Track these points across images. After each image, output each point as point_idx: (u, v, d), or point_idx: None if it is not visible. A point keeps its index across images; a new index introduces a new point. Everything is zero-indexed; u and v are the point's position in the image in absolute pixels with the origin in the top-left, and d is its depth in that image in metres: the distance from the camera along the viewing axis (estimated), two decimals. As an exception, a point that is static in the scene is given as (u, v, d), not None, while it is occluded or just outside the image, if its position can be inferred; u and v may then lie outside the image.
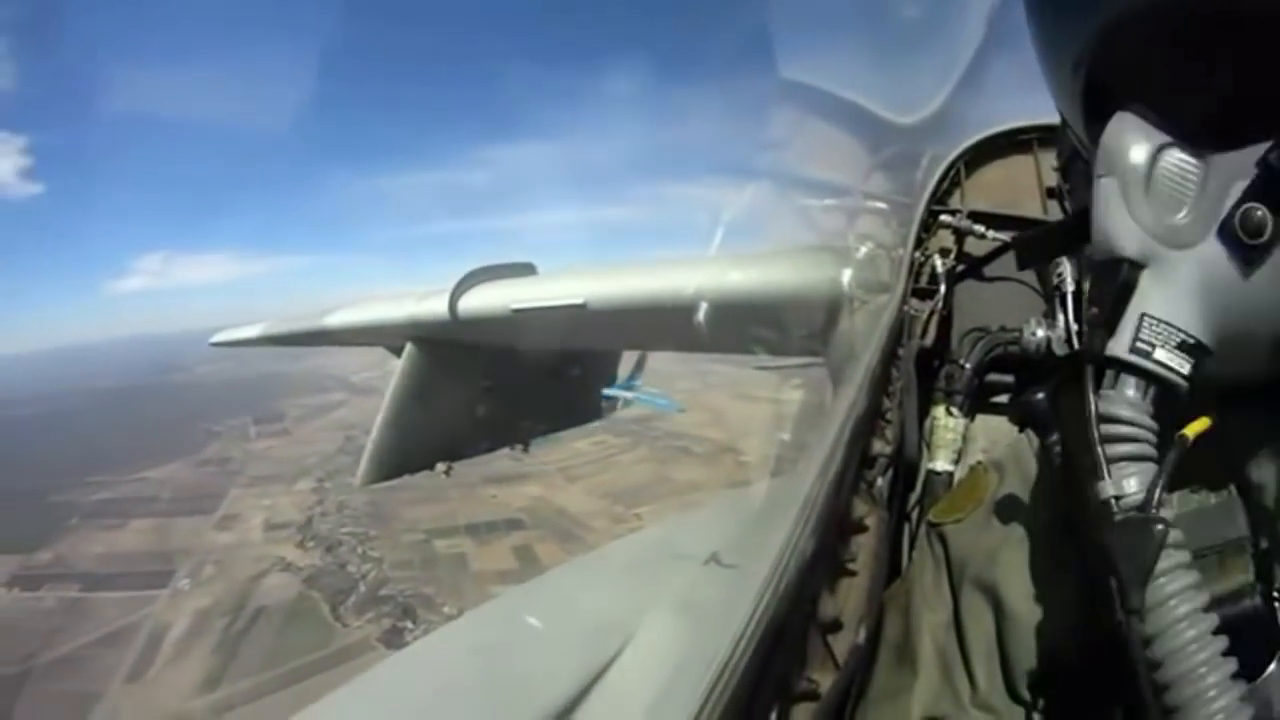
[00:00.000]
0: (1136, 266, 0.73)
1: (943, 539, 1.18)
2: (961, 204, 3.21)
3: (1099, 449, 0.73)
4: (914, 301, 2.92)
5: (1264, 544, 0.77)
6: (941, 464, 2.45)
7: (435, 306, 8.42)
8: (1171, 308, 0.72)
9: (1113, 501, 0.72)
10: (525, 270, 9.62)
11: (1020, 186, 3.17)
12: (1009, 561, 1.03)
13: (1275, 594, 0.76)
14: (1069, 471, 0.85)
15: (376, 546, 31.86)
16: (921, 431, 2.52)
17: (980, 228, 3.04)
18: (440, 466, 9.48)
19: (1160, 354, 0.71)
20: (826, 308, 3.76)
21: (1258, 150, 0.70)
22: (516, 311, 7.82)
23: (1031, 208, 3.06)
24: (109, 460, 40.54)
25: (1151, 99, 0.75)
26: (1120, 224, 0.73)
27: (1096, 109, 0.83)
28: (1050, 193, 2.77)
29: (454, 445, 9.59)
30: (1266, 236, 0.68)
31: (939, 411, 2.56)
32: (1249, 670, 0.71)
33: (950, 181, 3.33)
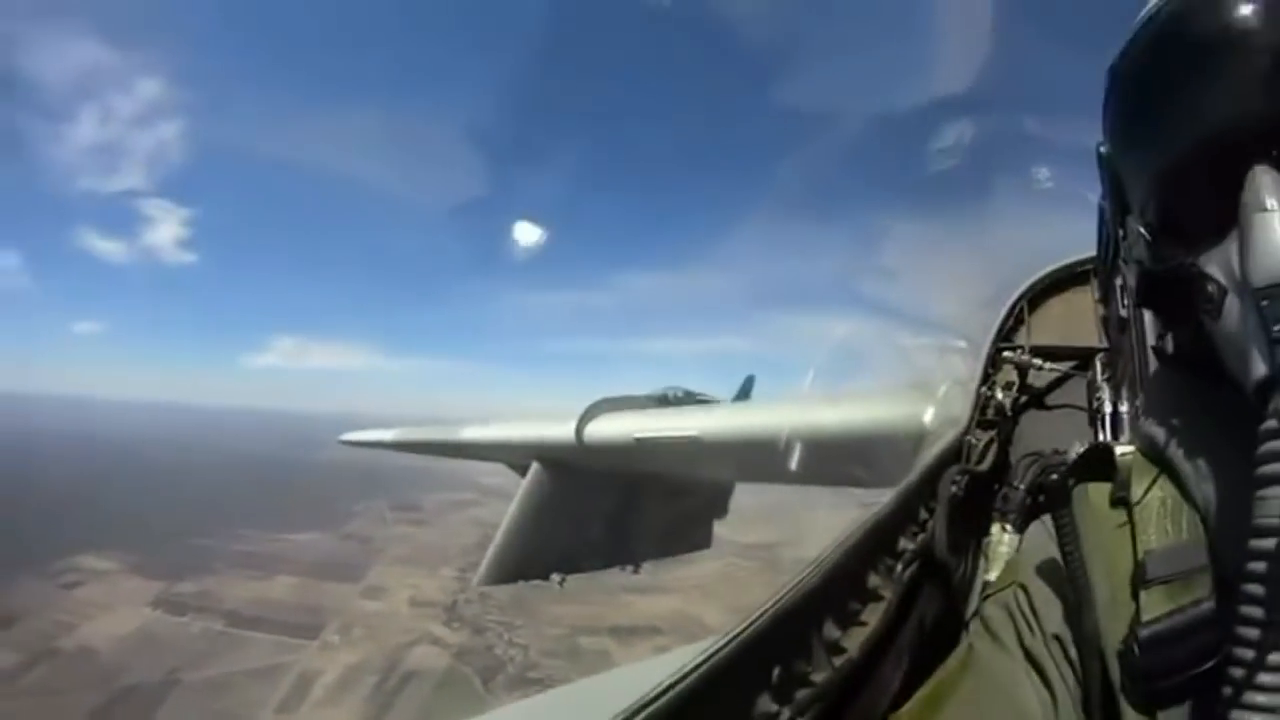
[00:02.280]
0: None
1: None
2: (1026, 339, 3.51)
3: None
4: (978, 432, 3.20)
5: (1221, 571, 0.82)
6: (995, 574, 2.72)
7: (562, 431, 9.15)
8: None
9: None
10: (643, 402, 10.31)
11: (1080, 317, 3.40)
12: None
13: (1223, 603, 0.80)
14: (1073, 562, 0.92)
15: (522, 635, 32.38)
16: (981, 547, 2.80)
17: (1039, 361, 3.33)
18: (555, 577, 9.89)
19: None
20: (913, 442, 4.09)
21: None
22: (638, 440, 8.40)
23: (1090, 336, 3.26)
24: (250, 518, 43.45)
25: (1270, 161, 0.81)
26: None
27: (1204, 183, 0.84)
28: (1105, 321, 2.88)
29: (570, 559, 9.98)
30: None
31: (995, 529, 2.81)
32: (1194, 664, 0.77)
33: (1015, 319, 3.63)
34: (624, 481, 9.50)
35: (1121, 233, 2.11)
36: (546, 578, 9.95)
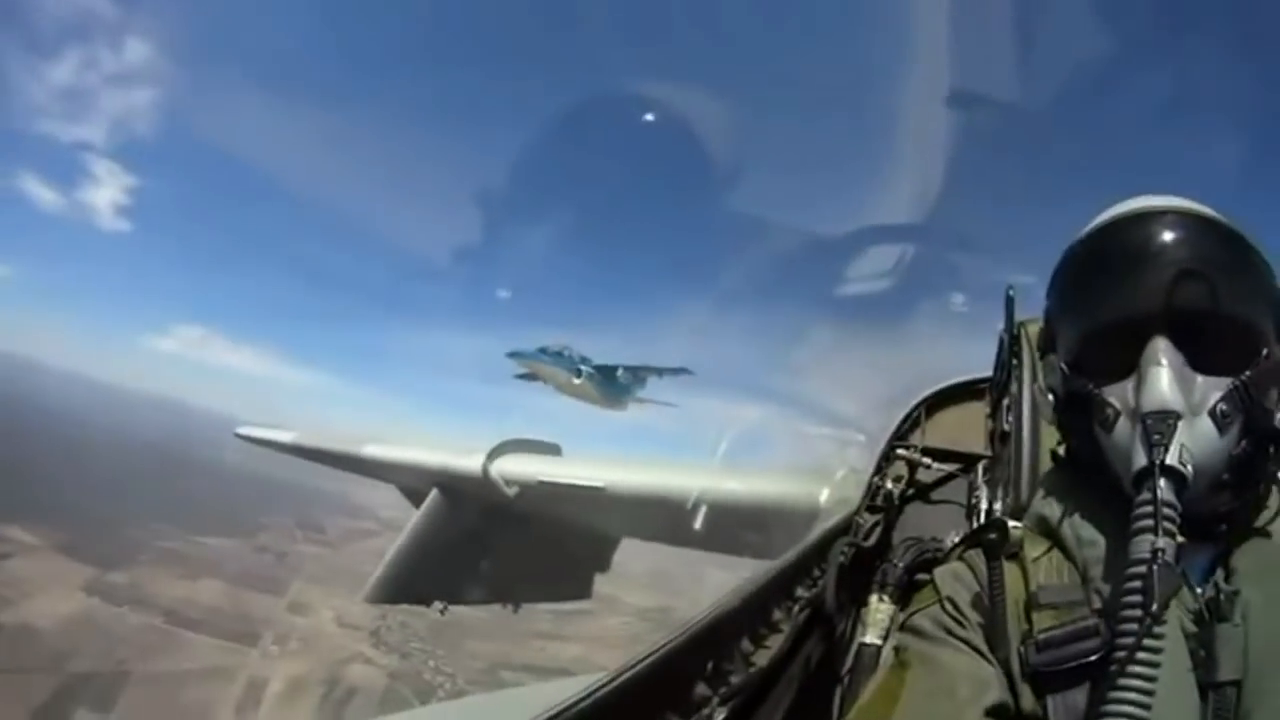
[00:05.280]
0: (1178, 417, 1.07)
1: None
2: (920, 440, 3.92)
3: (1159, 519, 1.00)
4: (865, 514, 3.59)
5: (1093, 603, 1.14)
6: (871, 638, 3.02)
7: (469, 463, 9.22)
8: (1189, 444, 1.06)
9: (1160, 552, 0.97)
10: (552, 449, 10.49)
11: (969, 427, 3.83)
12: None
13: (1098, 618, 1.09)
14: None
15: (446, 664, 31.66)
16: (859, 615, 3.13)
17: (928, 460, 3.76)
18: (437, 605, 9.78)
19: (1187, 468, 1.03)
20: (806, 518, 4.49)
21: (1222, 379, 1.11)
22: (543, 484, 8.58)
23: (976, 444, 3.71)
24: (162, 513, 41.08)
25: (1173, 340, 1.13)
26: (1173, 392, 1.09)
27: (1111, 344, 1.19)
28: (991, 434, 3.42)
29: (454, 590, 9.91)
30: (1228, 420, 1.09)
31: (873, 598, 3.11)
32: (1076, 659, 1.06)
33: (912, 422, 4.06)
34: (519, 522, 9.58)
35: (1016, 362, 2.57)
36: (429, 604, 9.84)
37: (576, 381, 24.50)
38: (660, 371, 26.70)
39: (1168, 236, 1.22)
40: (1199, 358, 1.13)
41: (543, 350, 25.35)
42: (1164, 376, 1.11)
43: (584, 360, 25.34)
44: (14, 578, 32.32)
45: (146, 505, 41.25)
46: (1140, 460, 1.06)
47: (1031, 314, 2.01)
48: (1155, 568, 0.98)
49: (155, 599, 33.85)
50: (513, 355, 25.50)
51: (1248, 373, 1.13)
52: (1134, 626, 0.98)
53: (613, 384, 25.61)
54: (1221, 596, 1.08)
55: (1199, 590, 1.11)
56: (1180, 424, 1.08)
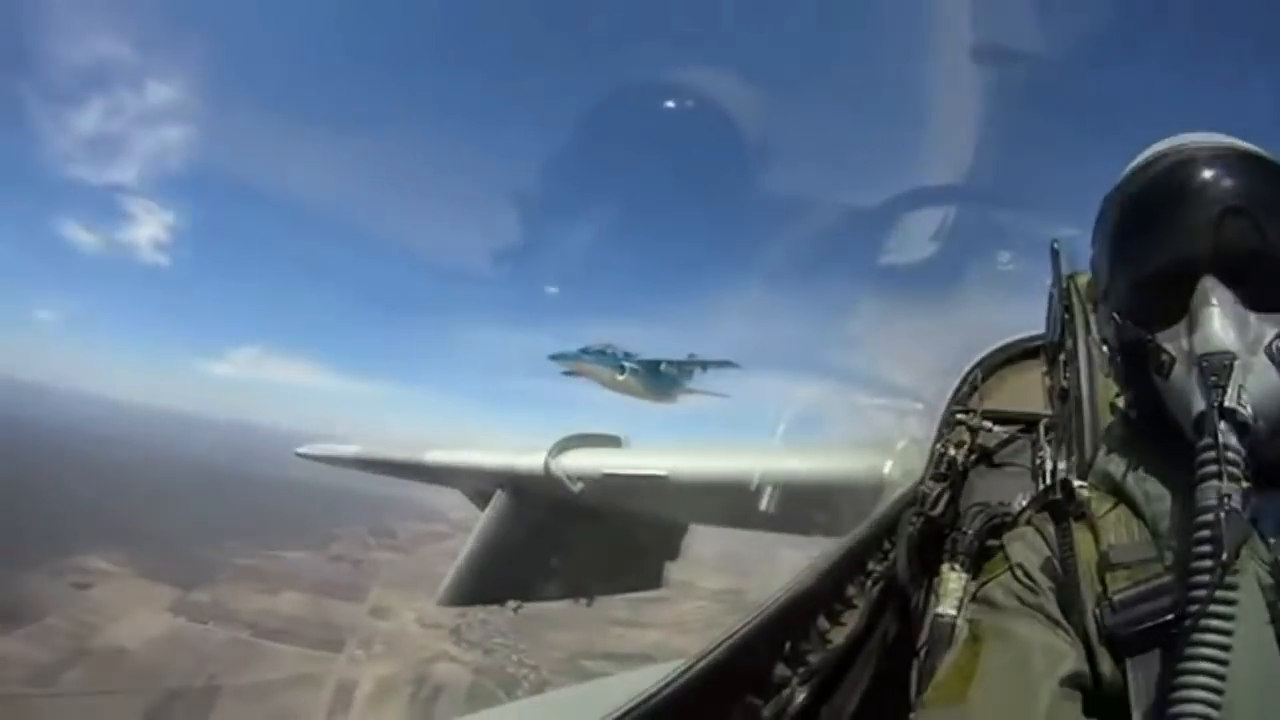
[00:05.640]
0: (1234, 358, 1.06)
1: None
2: (979, 404, 3.89)
3: (1223, 464, 0.99)
4: (930, 483, 3.57)
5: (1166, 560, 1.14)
6: (945, 609, 3.02)
7: (532, 461, 9.36)
8: (1249, 386, 1.04)
9: (1226, 499, 0.97)
10: (613, 441, 10.57)
11: (1028, 387, 3.66)
12: None
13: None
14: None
15: (529, 657, 32.80)
16: (932, 585, 3.13)
17: (989, 424, 3.73)
18: (511, 604, 9.99)
19: (1248, 411, 1.02)
20: (872, 493, 4.46)
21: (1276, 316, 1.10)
22: (606, 476, 8.65)
23: (1036, 404, 3.64)
24: (236, 532, 43.01)
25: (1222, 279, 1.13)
26: (1228, 333, 1.08)
27: (1164, 287, 1.19)
28: (1050, 391, 3.14)
29: (526, 588, 10.10)
30: None
31: (945, 569, 3.12)
32: (1153, 619, 1.06)
33: (970, 386, 4.03)
34: (586, 516, 9.69)
35: (1068, 316, 2.53)
36: (503, 604, 10.05)
37: (620, 378, 24.95)
38: (705, 364, 27.17)
39: (1208, 174, 1.20)
40: (1251, 296, 1.12)
41: (585, 350, 25.90)
42: (1216, 317, 1.10)
43: (627, 356, 25.76)
44: (99, 604, 34.06)
45: (219, 525, 42.99)
46: (1199, 405, 1.06)
47: (1080, 267, 1.96)
48: (1222, 515, 0.97)
49: (238, 614, 35.36)
50: (555, 358, 26.07)
51: None
52: (1205, 579, 0.96)
53: (657, 378, 26.11)
54: None
55: (1274, 540, 1.09)
56: (1237, 364, 1.06)
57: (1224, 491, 0.98)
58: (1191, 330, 1.12)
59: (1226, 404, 1.03)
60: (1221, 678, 0.94)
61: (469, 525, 10.11)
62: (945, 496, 3.49)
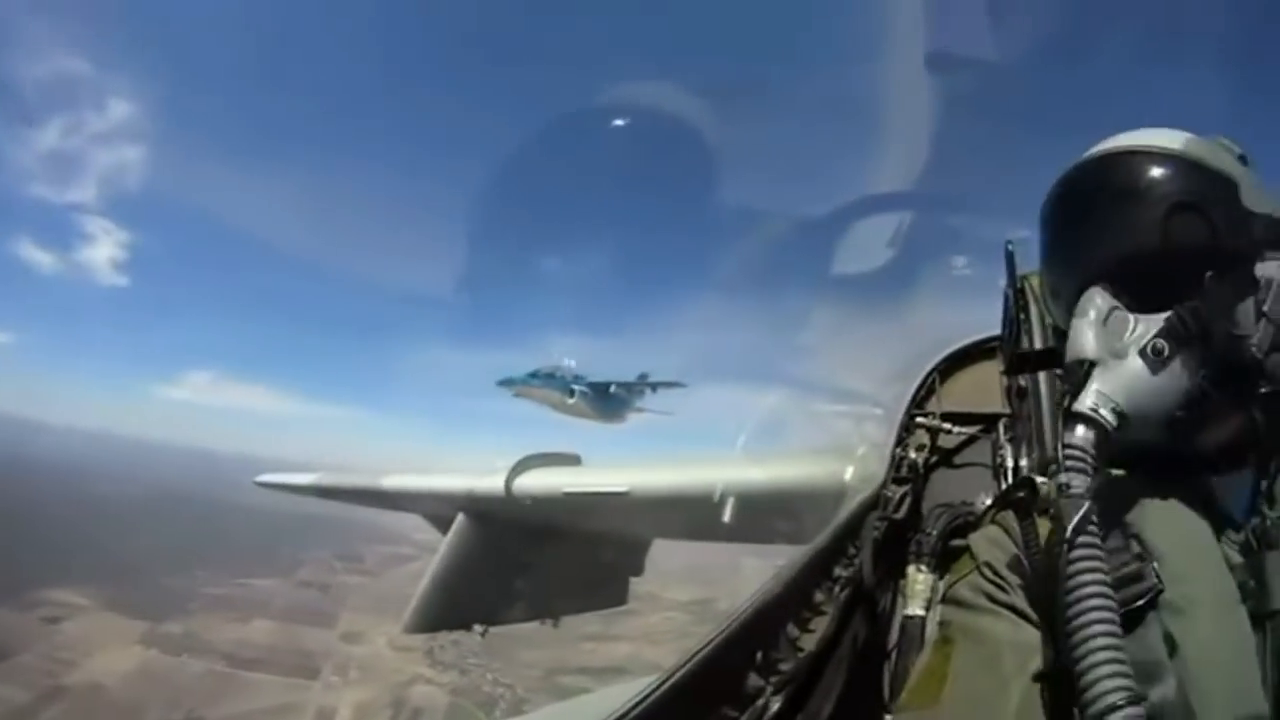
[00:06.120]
0: (1092, 364, 1.10)
1: None
2: (937, 406, 3.94)
3: (1061, 457, 1.06)
4: (892, 487, 3.60)
5: (1137, 550, 1.12)
6: (913, 609, 3.02)
7: (491, 484, 9.25)
8: (1110, 389, 1.08)
9: (1065, 487, 1.03)
10: (572, 460, 10.51)
11: (985, 387, 3.69)
12: None
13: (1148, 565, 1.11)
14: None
15: (504, 675, 32.52)
16: (899, 587, 3.14)
17: (948, 425, 3.78)
18: (477, 628, 9.82)
19: (1103, 412, 1.06)
20: (834, 499, 4.48)
21: (1162, 315, 1.11)
22: (567, 495, 8.59)
23: (994, 403, 3.56)
24: (201, 560, 41.98)
25: (1111, 285, 1.15)
26: (1088, 342, 1.11)
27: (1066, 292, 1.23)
28: (1008, 391, 3.21)
29: (492, 611, 9.93)
30: (1165, 355, 1.09)
31: (911, 570, 3.11)
32: (1132, 604, 1.05)
33: (927, 389, 4.08)
34: (548, 536, 9.60)
35: (1023, 316, 2.56)
36: (469, 628, 9.89)
37: (570, 401, 25.27)
38: (654, 385, 27.78)
39: (1100, 180, 1.26)
40: (1141, 298, 1.14)
41: (533, 374, 26.23)
42: (1084, 327, 1.14)
43: (577, 378, 26.13)
44: (71, 639, 32.78)
45: (186, 554, 41.92)
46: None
47: (1034, 267, 2.00)
48: (1063, 502, 1.04)
49: (212, 645, 34.57)
50: (503, 383, 26.33)
51: (1191, 302, 1.11)
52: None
53: (607, 400, 26.52)
54: (1269, 524, 1.07)
55: (1242, 521, 1.10)
56: (1096, 370, 1.11)
57: (1061, 480, 1.05)
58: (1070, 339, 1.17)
59: (1075, 408, 1.09)
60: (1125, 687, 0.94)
61: (434, 546, 9.94)
62: (907, 499, 3.54)
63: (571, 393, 25.68)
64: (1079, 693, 0.96)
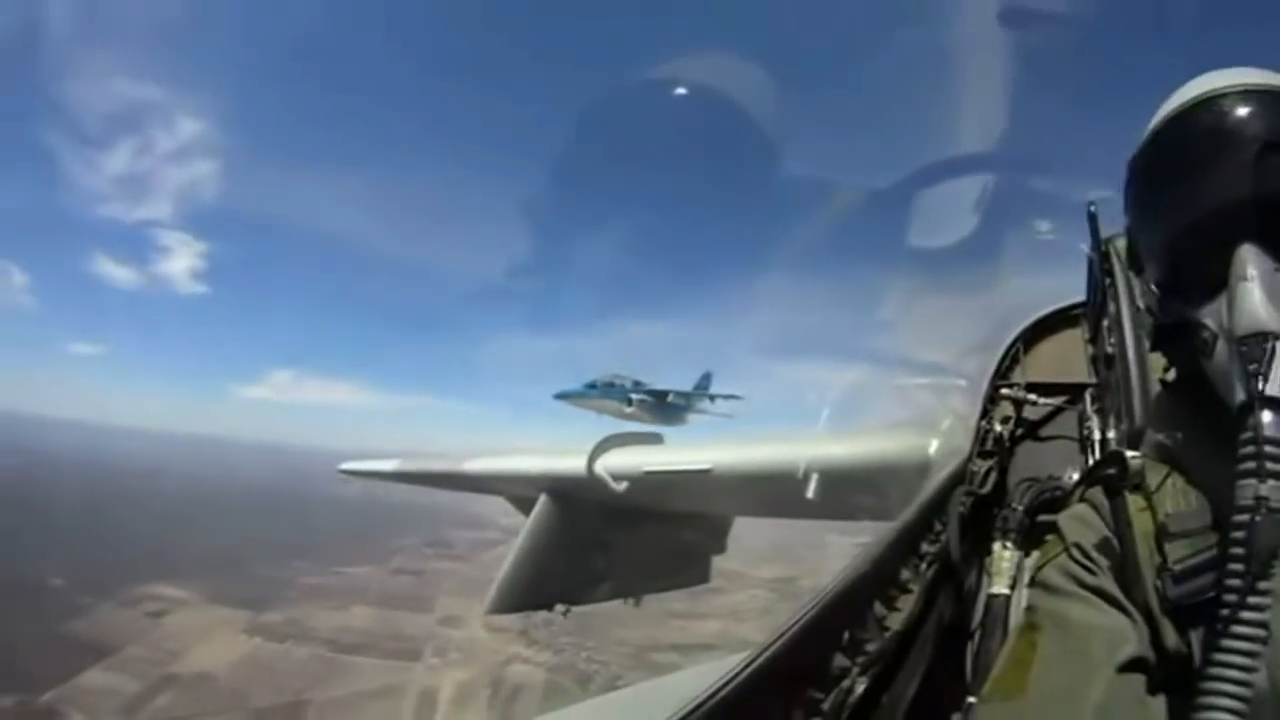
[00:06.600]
0: (1276, 337, 0.97)
1: None
2: (1021, 377, 3.83)
3: (1262, 460, 0.93)
4: (977, 460, 3.52)
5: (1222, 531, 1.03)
6: (998, 588, 2.96)
7: (573, 464, 9.37)
8: None
9: (1262, 501, 0.91)
10: (654, 438, 10.57)
11: (1070, 355, 3.70)
12: None
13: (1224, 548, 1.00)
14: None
15: (598, 654, 33.82)
16: (984, 564, 3.07)
17: (1034, 396, 3.67)
18: (559, 608, 10.03)
19: None
20: (918, 473, 4.41)
21: None
22: (649, 474, 8.64)
23: (1079, 373, 3.54)
24: (296, 551, 44.38)
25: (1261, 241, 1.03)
26: (1264, 311, 0.98)
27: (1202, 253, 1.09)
28: (1094, 359, 3.15)
29: (574, 591, 10.13)
30: None
31: (996, 547, 3.04)
32: (1214, 590, 0.99)
33: (1011, 359, 3.96)
34: (630, 516, 9.70)
35: (1109, 280, 2.45)
36: (551, 608, 10.09)
37: (629, 410, 25.82)
38: (712, 397, 28.27)
39: (1237, 116, 1.09)
40: None
41: (591, 385, 26.79)
42: (1254, 292, 1.01)
43: (636, 385, 26.55)
44: (175, 631, 35.25)
45: (280, 546, 44.31)
46: (1239, 394, 0.98)
47: (1120, 228, 1.89)
48: (1257, 519, 0.92)
49: (313, 631, 36.57)
50: (560, 397, 26.83)
51: None
52: (1238, 582, 0.93)
53: (665, 408, 26.99)
54: None
55: None
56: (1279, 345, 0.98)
57: (1260, 493, 0.92)
58: (1230, 307, 1.03)
59: (1268, 392, 0.95)
60: (1248, 684, 0.91)
61: (519, 529, 10.16)
62: (993, 473, 3.45)
63: (630, 401, 26.19)
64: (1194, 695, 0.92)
